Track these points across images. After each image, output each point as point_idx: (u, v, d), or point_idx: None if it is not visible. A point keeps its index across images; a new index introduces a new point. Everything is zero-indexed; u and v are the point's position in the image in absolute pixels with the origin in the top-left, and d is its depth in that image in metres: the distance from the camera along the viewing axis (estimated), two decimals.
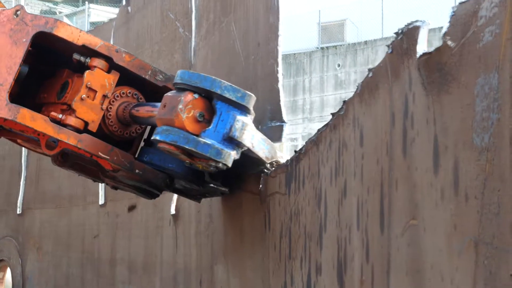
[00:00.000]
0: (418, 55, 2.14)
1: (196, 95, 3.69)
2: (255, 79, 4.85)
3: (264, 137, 3.87)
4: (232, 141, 3.65)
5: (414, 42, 2.18)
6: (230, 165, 3.67)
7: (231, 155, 3.65)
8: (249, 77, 4.95)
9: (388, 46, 2.38)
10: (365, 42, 18.25)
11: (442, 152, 2.00)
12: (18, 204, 9.85)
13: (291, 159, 3.69)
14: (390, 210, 2.37)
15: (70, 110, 4.21)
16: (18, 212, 9.87)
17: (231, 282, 4.90)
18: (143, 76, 4.38)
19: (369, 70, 2.60)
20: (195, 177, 4.17)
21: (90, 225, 8.16)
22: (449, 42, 1.98)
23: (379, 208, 2.47)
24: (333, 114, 3.05)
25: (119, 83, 4.36)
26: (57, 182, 9.00)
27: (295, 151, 3.63)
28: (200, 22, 6.26)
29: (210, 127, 3.66)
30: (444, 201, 1.97)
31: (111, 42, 8.04)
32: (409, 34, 2.23)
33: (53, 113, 4.16)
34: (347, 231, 2.80)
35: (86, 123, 4.20)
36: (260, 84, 4.75)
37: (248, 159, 3.93)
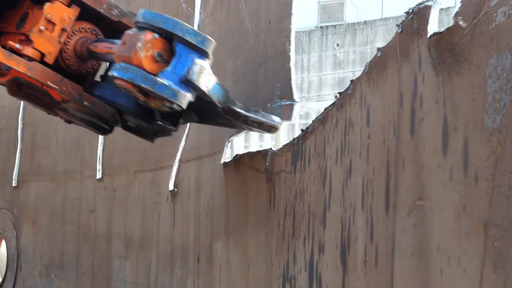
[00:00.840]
0: (428, 35, 2.12)
1: (156, 35, 3.71)
2: (265, 58, 4.83)
3: (220, 82, 3.88)
4: (188, 84, 3.68)
5: (425, 21, 2.16)
6: (184, 107, 3.70)
7: (187, 97, 3.68)
8: (259, 55, 4.93)
9: (398, 25, 2.37)
10: (365, 22, 18.19)
11: (451, 132, 1.98)
12: (14, 177, 9.83)
13: (298, 137, 3.68)
14: (396, 190, 2.37)
15: (27, 40, 4.22)
16: (13, 185, 9.86)
17: (231, 260, 4.90)
18: (98, 9, 4.40)
19: (378, 49, 2.58)
20: (145, 114, 4.15)
21: (86, 199, 8.15)
22: (460, 22, 1.96)
23: (384, 188, 2.46)
24: (340, 93, 3.04)
25: (79, 19, 4.37)
26: (53, 156, 8.98)
27: (302, 130, 3.62)
28: None
29: (168, 68, 3.69)
30: (452, 182, 1.96)
31: None
32: (420, 14, 2.21)
33: (10, 42, 4.19)
34: (352, 211, 2.80)
35: (43, 55, 4.23)
36: (270, 63, 4.73)
37: (202, 103, 3.94)
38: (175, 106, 3.68)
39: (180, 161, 6.30)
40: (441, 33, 2.03)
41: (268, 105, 4.64)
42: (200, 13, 6.31)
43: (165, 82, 3.64)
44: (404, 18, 2.32)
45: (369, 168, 2.63)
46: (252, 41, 5.07)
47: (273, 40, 4.72)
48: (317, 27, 19.72)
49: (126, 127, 4.51)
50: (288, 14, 4.54)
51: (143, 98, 3.73)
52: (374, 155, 2.58)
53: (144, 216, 6.91)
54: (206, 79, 3.75)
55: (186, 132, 6.28)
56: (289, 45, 4.50)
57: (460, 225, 1.91)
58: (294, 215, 3.69)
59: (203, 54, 3.76)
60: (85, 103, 4.22)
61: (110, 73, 3.81)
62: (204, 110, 4.10)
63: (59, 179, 8.80)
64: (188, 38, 3.71)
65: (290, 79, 4.46)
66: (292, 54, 4.50)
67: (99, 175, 7.87)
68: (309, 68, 18.30)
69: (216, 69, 5.84)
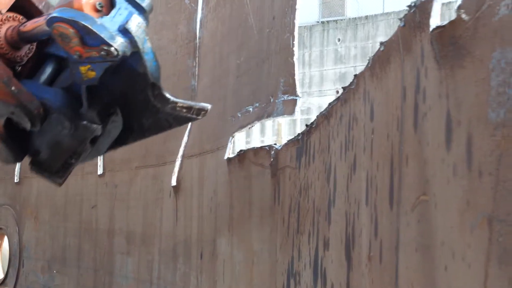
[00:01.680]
0: (431, 29, 2.10)
1: None
2: (268, 53, 4.83)
3: (155, 53, 3.87)
4: (126, 34, 3.66)
5: (427, 15, 2.15)
6: (120, 53, 3.64)
7: (123, 44, 3.64)
8: (263, 51, 4.93)
9: (400, 19, 2.35)
10: (366, 17, 18.16)
11: (455, 127, 1.97)
12: (16, 173, 9.83)
13: (302, 133, 3.67)
14: (400, 185, 2.35)
15: None
16: (15, 181, 9.86)
17: (234, 255, 4.90)
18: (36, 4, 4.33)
19: (381, 43, 2.57)
20: (70, 110, 4.05)
21: (88, 195, 8.16)
22: (463, 16, 1.95)
23: (388, 184, 2.45)
24: (344, 88, 3.03)
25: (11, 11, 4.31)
26: None
27: (307, 125, 3.62)
28: None
29: (107, 16, 3.70)
30: (456, 177, 1.94)
31: None
32: (422, 7, 2.19)
33: None
34: (356, 207, 2.79)
35: None
36: (274, 58, 4.73)
37: (131, 90, 3.92)
38: (112, 50, 3.60)
39: (183, 156, 6.30)
40: (443, 26, 2.01)
41: (272, 100, 4.64)
42: (203, 9, 6.30)
43: (105, 24, 3.65)
44: (406, 12, 2.30)
45: (373, 163, 2.62)
46: (256, 37, 5.07)
47: (277, 35, 4.72)
48: (318, 22, 19.69)
49: (35, 164, 4.32)
50: (292, 9, 4.54)
51: (78, 48, 3.66)
52: (378, 150, 2.57)
53: (146, 212, 6.91)
54: (143, 36, 3.75)
55: (188, 128, 6.28)
56: (293, 40, 4.51)
57: (464, 220, 1.90)
58: (299, 210, 3.68)
59: (142, 13, 3.78)
60: (13, 88, 4.03)
61: (49, 16, 3.75)
62: (132, 101, 4.04)
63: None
64: None
65: (293, 74, 4.46)
66: (296, 49, 4.51)
67: (100, 170, 7.87)
68: (310, 63, 18.27)
69: (219, 65, 5.85)
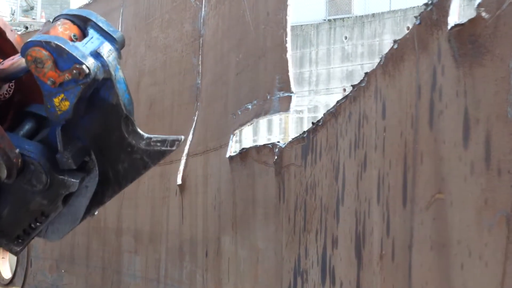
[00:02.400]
0: (449, 27, 2.09)
1: (72, 22, 3.87)
2: (264, 49, 4.82)
3: (128, 87, 3.88)
4: (98, 57, 3.72)
5: (445, 13, 2.13)
6: (92, 73, 3.65)
7: (95, 64, 3.68)
8: (259, 47, 4.92)
9: (416, 17, 2.34)
10: (373, 15, 18.14)
11: (473, 125, 1.96)
12: None
13: (308, 130, 3.65)
14: (414, 183, 2.34)
15: None
16: None
17: (239, 254, 4.89)
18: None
19: (394, 41, 2.56)
20: (49, 163, 3.97)
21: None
22: (483, 14, 1.93)
23: (402, 182, 2.44)
24: (353, 86, 3.02)
25: None
26: None
27: (313, 123, 3.60)
28: None
29: (79, 42, 3.78)
30: (474, 175, 1.93)
31: (121, 11, 7.97)
32: (439, 5, 2.18)
33: None
34: (367, 205, 2.77)
35: None
36: (270, 54, 4.72)
37: (105, 132, 3.89)
38: (83, 68, 3.62)
39: (188, 155, 6.29)
40: (462, 24, 2.00)
41: (268, 97, 4.64)
42: (205, 6, 6.30)
43: (77, 46, 3.72)
44: (417, 11, 2.29)
45: (385, 161, 2.60)
46: (253, 33, 5.07)
47: (271, 32, 4.71)
48: (325, 20, 19.67)
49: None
50: (284, 5, 4.53)
51: (52, 73, 3.67)
52: (391, 148, 2.56)
53: (153, 210, 6.91)
54: (115, 63, 3.79)
55: (193, 126, 6.27)
56: (286, 36, 4.50)
57: (481, 219, 1.89)
58: (306, 208, 3.67)
59: (113, 42, 3.83)
60: None
61: (25, 43, 3.77)
62: (107, 144, 4.02)
63: None
64: (101, 24, 3.85)
65: (287, 71, 4.45)
66: (289, 45, 4.49)
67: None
68: (317, 61, 18.27)
69: (220, 62, 5.84)
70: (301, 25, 18.25)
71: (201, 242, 5.82)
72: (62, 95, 3.72)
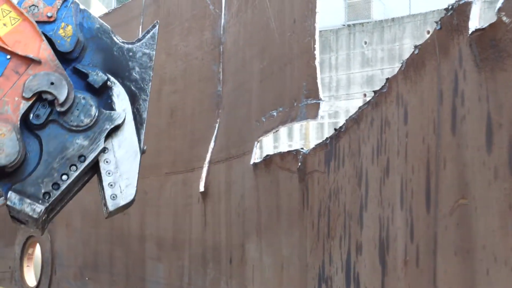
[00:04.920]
0: (470, 32, 2.09)
1: None
2: (290, 57, 4.81)
3: None
4: None
5: (466, 18, 2.13)
6: None
7: None
8: (284, 55, 4.92)
9: (436, 22, 2.34)
10: (392, 19, 18.08)
11: (496, 130, 1.95)
12: None
13: (331, 137, 3.65)
14: (437, 189, 2.33)
15: None
16: None
17: (264, 260, 4.89)
18: None
19: (415, 47, 2.55)
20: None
21: None
22: (504, 18, 1.93)
23: (425, 187, 2.43)
24: (375, 92, 3.01)
25: None
26: None
27: (335, 129, 3.60)
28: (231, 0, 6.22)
29: None
30: (498, 180, 1.93)
31: (141, 20, 8.02)
32: (460, 10, 2.18)
33: None
34: (390, 210, 2.77)
35: None
36: (296, 61, 4.71)
37: None
38: None
39: (210, 162, 6.30)
40: (483, 29, 1.99)
41: (295, 104, 4.63)
42: (225, 14, 6.31)
43: None
44: (437, 15, 2.29)
45: (407, 166, 2.60)
46: (278, 41, 5.06)
47: (298, 39, 4.71)
48: (344, 25, 19.63)
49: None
50: (312, 12, 4.52)
51: (48, 9, 3.97)
52: (413, 154, 2.55)
53: (176, 217, 6.92)
54: None
55: (215, 133, 6.28)
56: (314, 43, 4.49)
57: (506, 224, 1.88)
58: (329, 215, 3.67)
59: None
60: None
61: (17, 4, 3.96)
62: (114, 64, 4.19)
63: (91, 181, 8.83)
64: None
65: (315, 78, 4.44)
66: (317, 52, 4.48)
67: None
68: (337, 66, 18.24)
69: (242, 69, 5.85)
70: (320, 31, 18.19)
71: (224, 249, 5.83)
72: (62, 24, 3.96)
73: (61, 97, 3.87)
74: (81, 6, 4.13)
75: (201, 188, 6.32)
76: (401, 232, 2.66)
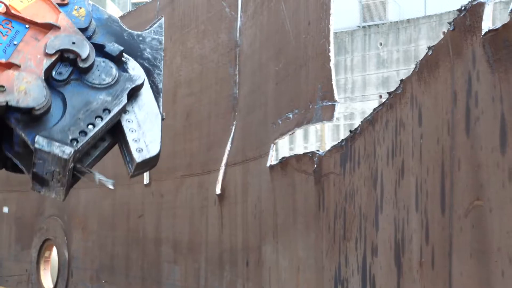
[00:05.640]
0: (483, 32, 2.08)
1: None
2: (305, 59, 4.81)
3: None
4: None
5: (479, 18, 2.13)
6: None
7: None
8: (300, 56, 4.91)
9: (449, 23, 2.33)
10: (408, 21, 18.02)
11: (510, 131, 1.95)
12: None
13: (346, 139, 3.65)
14: (452, 190, 2.33)
15: None
16: None
17: (280, 263, 4.88)
18: None
19: (429, 48, 2.55)
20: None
21: (134, 204, 8.21)
22: None
23: (439, 189, 2.42)
24: (389, 93, 3.01)
25: None
26: (101, 162, 9.04)
27: (350, 131, 3.60)
28: (247, 2, 6.22)
29: None
30: None
31: None
32: (473, 11, 2.17)
33: None
34: (405, 212, 2.76)
35: None
36: (311, 63, 4.71)
37: None
38: None
39: (226, 164, 6.31)
40: (496, 30, 1.99)
41: (310, 106, 4.63)
42: (241, 17, 6.32)
43: None
44: (453, 15, 2.28)
45: (422, 168, 2.59)
46: (293, 43, 5.06)
47: (313, 41, 4.70)
48: (359, 26, 19.60)
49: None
50: (327, 14, 4.52)
51: None
52: (428, 155, 2.55)
53: (192, 220, 6.93)
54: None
55: (231, 136, 6.29)
56: (329, 45, 4.48)
57: None
58: (345, 217, 3.66)
59: None
60: None
61: None
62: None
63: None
64: None
65: (330, 80, 4.44)
66: (332, 54, 4.48)
67: (146, 180, 7.92)
68: (353, 68, 18.20)
69: (258, 71, 5.86)
70: (336, 32, 18.20)
71: (241, 252, 5.84)
72: (75, 6, 4.07)
73: (84, 54, 3.96)
74: (90, 1, 4.22)
75: (218, 191, 6.33)
76: (416, 233, 2.65)
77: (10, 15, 3.96)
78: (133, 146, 3.99)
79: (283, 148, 17.68)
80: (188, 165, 7.09)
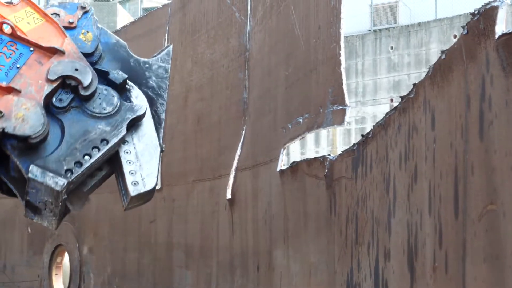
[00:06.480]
0: (497, 36, 2.07)
1: None
2: (315, 63, 4.81)
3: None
4: None
5: (492, 22, 2.12)
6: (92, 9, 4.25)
7: None
8: (310, 61, 4.91)
9: (463, 27, 2.32)
10: (418, 24, 17.99)
11: None
12: None
13: (358, 143, 3.64)
14: (465, 194, 2.32)
15: None
16: None
17: (291, 267, 4.88)
18: None
19: (442, 52, 2.54)
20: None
21: (146, 210, 8.20)
22: None
23: (453, 193, 2.41)
24: (402, 97, 3.00)
25: None
26: None
27: (362, 135, 3.59)
28: (256, 6, 6.22)
29: None
30: None
31: (167, 28, 8.06)
32: (486, 15, 2.16)
33: None
34: (418, 216, 2.75)
35: None
36: (321, 68, 4.71)
37: None
38: (85, 3, 4.23)
39: (237, 169, 6.31)
40: (510, 33, 1.98)
41: (321, 110, 4.62)
42: (250, 21, 6.32)
43: None
44: (463, 19, 2.28)
45: (435, 172, 2.58)
46: (303, 47, 5.06)
47: (323, 45, 4.70)
48: (370, 30, 19.57)
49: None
50: (337, 18, 4.51)
51: (69, 17, 4.18)
52: (441, 159, 2.54)
53: (203, 225, 6.93)
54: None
55: (241, 141, 6.29)
56: (339, 49, 4.48)
57: None
58: (357, 221, 3.65)
59: None
60: None
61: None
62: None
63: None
64: None
65: (341, 84, 4.43)
66: (343, 58, 4.47)
67: (158, 185, 7.91)
68: (364, 72, 18.18)
69: (268, 76, 5.86)
70: (346, 36, 18.17)
71: (252, 256, 5.83)
72: (83, 30, 4.14)
73: (86, 81, 3.93)
74: (99, 24, 4.29)
75: (228, 195, 6.33)
76: (429, 238, 2.64)
77: (15, 37, 3.95)
78: (129, 179, 3.95)
79: (294, 152, 17.66)
80: (199, 170, 7.10)
